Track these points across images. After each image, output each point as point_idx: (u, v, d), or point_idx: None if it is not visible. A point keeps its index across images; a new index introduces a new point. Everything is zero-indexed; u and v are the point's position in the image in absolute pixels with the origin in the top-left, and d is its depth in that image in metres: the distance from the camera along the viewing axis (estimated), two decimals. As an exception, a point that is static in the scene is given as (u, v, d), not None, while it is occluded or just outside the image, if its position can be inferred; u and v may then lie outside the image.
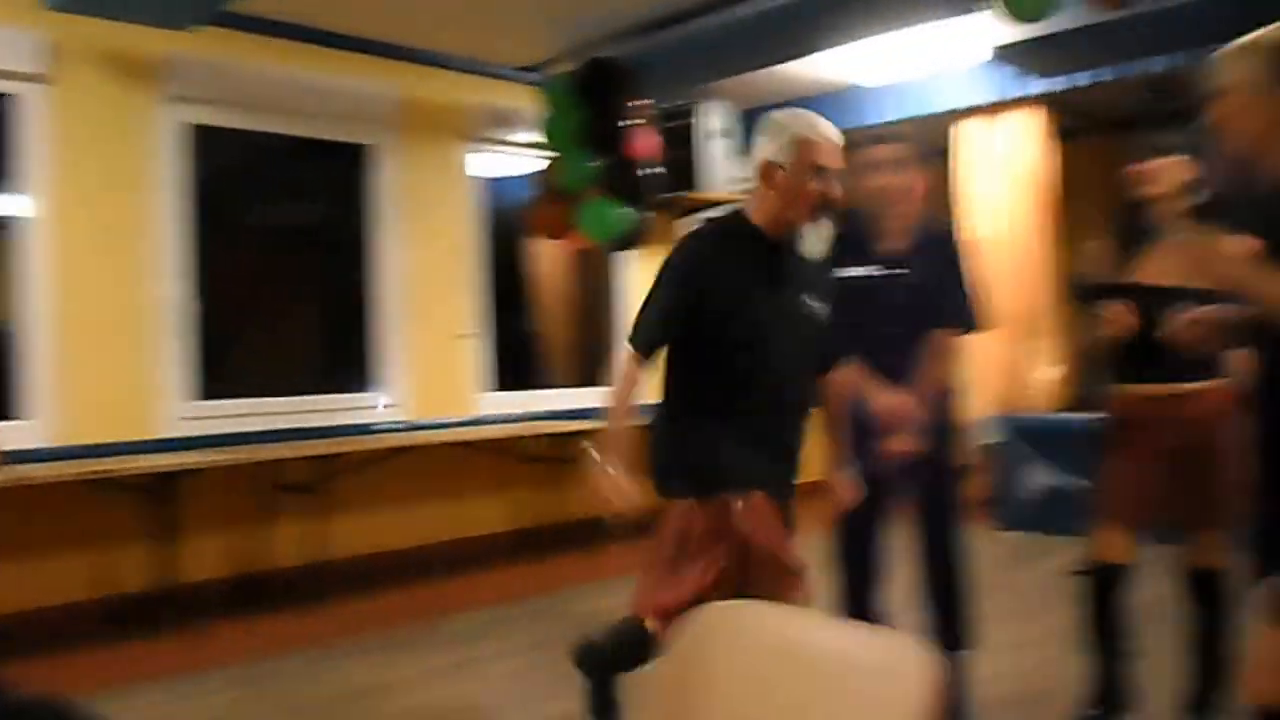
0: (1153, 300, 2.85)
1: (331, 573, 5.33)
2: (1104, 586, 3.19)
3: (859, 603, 3.33)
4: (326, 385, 5.98)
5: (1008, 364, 6.74)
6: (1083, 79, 6.15)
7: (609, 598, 5.19)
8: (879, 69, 6.69)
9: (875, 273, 3.19)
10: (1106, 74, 6.01)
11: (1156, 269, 3.03)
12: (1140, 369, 3.13)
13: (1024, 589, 5.14)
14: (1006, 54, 5.71)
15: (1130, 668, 3.24)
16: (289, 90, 5.61)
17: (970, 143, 7.01)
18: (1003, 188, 6.89)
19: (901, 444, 3.06)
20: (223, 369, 5.52)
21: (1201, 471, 3.03)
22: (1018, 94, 6.52)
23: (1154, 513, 3.15)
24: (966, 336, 3.29)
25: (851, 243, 3.25)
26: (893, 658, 1.32)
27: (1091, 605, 3.21)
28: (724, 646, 1.39)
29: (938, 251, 3.26)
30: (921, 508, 3.30)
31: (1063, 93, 6.41)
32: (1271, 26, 2.04)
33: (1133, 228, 3.18)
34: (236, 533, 5.26)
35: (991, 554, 5.99)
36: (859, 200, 3.21)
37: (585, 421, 6.41)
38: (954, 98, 6.76)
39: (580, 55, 5.76)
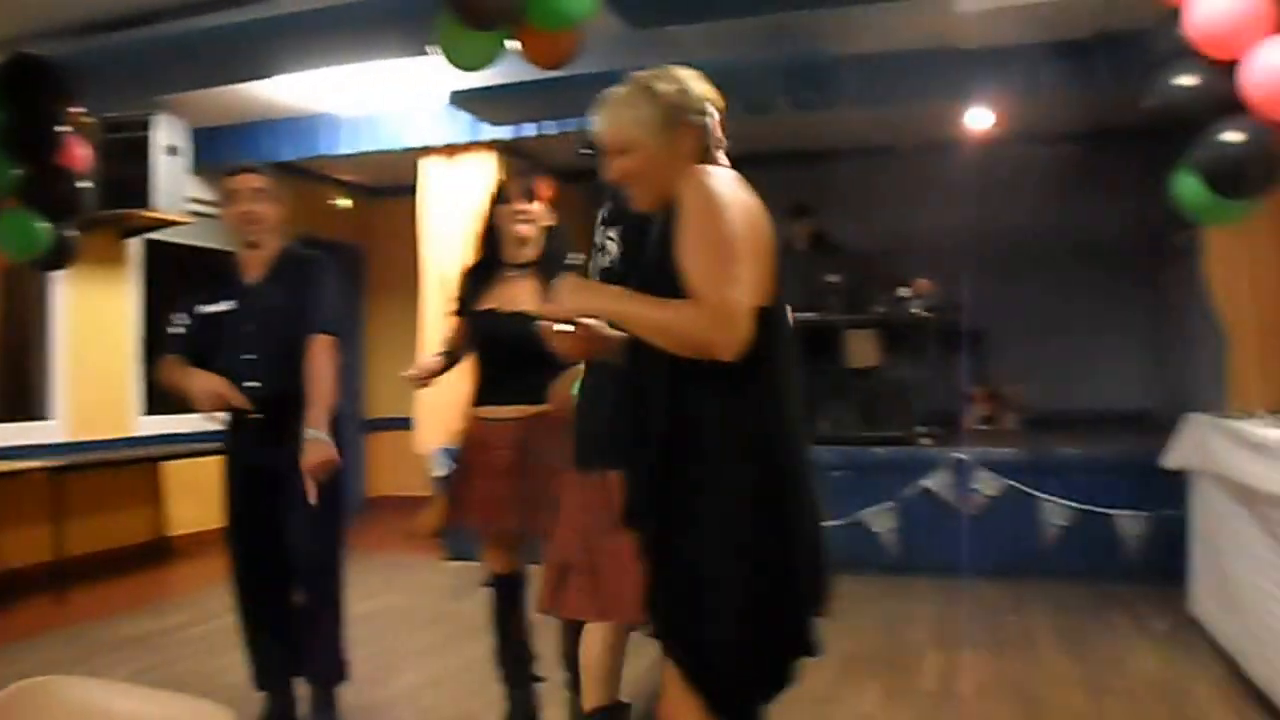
0: (501, 326, 3.34)
1: None
2: (499, 598, 3.49)
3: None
4: None
5: (459, 396, 6.92)
6: (529, 129, 6.57)
7: (17, 663, 4.68)
8: (348, 100, 6.69)
9: (226, 308, 3.43)
10: (551, 126, 6.47)
11: (509, 297, 3.40)
12: (486, 394, 3.49)
13: (465, 619, 5.31)
14: (459, 100, 5.95)
15: (531, 692, 3.52)
16: None
17: (432, 180, 7.21)
18: (460, 226, 7.13)
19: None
20: None
21: (535, 485, 3.32)
22: (472, 138, 6.81)
23: (505, 525, 3.44)
24: (331, 342, 3.44)
25: (219, 277, 3.53)
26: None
27: (495, 619, 3.48)
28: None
29: (295, 274, 3.48)
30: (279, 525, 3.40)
31: (513, 140, 6.80)
32: (645, 73, 2.13)
33: (492, 260, 3.53)
34: None
35: (437, 585, 6.16)
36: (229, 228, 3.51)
37: (2, 462, 5.76)
38: (419, 135, 6.92)
39: (6, 50, 5.19)
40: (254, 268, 3.50)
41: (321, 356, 3.37)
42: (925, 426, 6.58)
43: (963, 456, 6.03)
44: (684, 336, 1.91)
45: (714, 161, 2.11)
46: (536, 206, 3.48)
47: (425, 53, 4.78)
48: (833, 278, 6.93)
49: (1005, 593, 5.53)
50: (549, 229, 3.51)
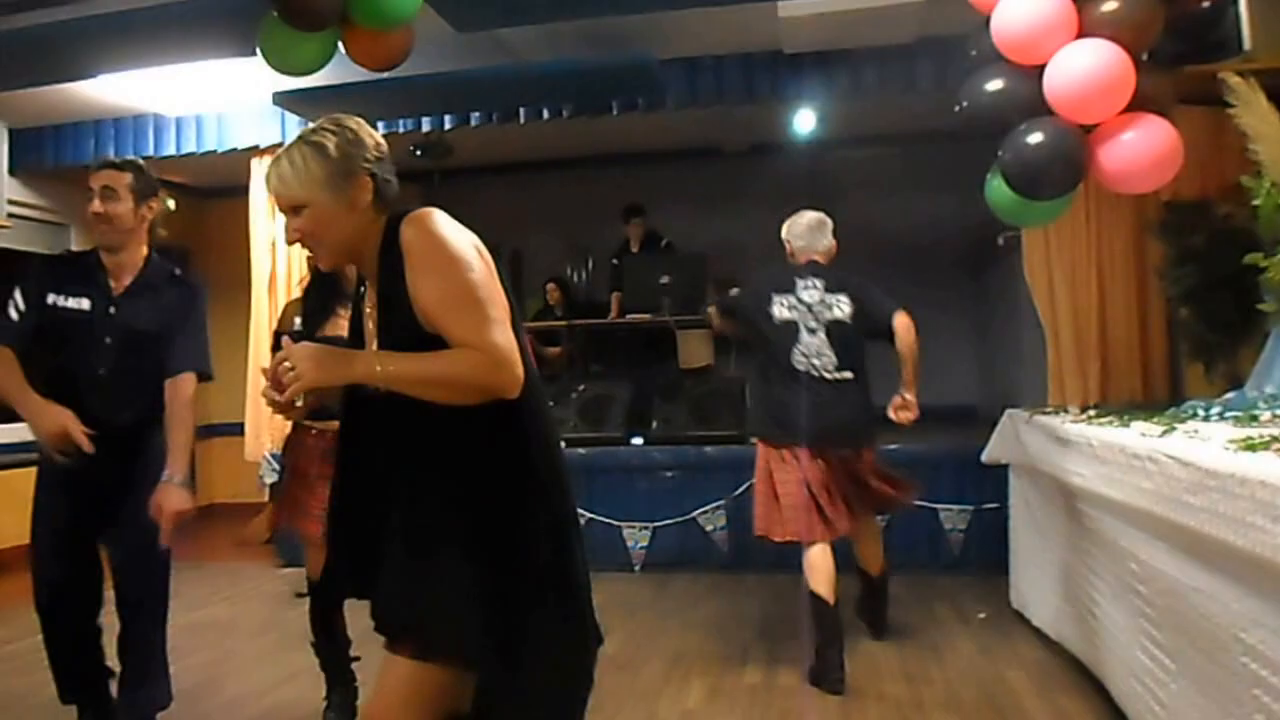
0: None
1: None
2: (315, 603, 3.57)
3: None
4: None
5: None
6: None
7: None
8: (174, 100, 6.54)
9: (81, 307, 3.20)
10: (380, 127, 6.43)
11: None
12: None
13: (295, 625, 5.27)
14: (284, 100, 5.89)
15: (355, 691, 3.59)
16: None
17: (261, 181, 7.08)
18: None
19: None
20: None
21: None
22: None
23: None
24: (200, 383, 3.30)
25: (78, 271, 3.28)
26: None
27: (315, 622, 3.56)
28: None
29: (167, 297, 3.29)
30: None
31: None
32: (310, 127, 2.10)
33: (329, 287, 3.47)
34: None
35: (270, 592, 6.08)
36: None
37: None
38: (246, 136, 6.82)
39: None
40: (117, 274, 3.25)
41: (187, 397, 3.20)
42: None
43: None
44: (468, 384, 1.95)
45: (388, 209, 2.10)
46: None
47: (253, 53, 4.74)
48: (665, 278, 7.08)
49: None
50: None
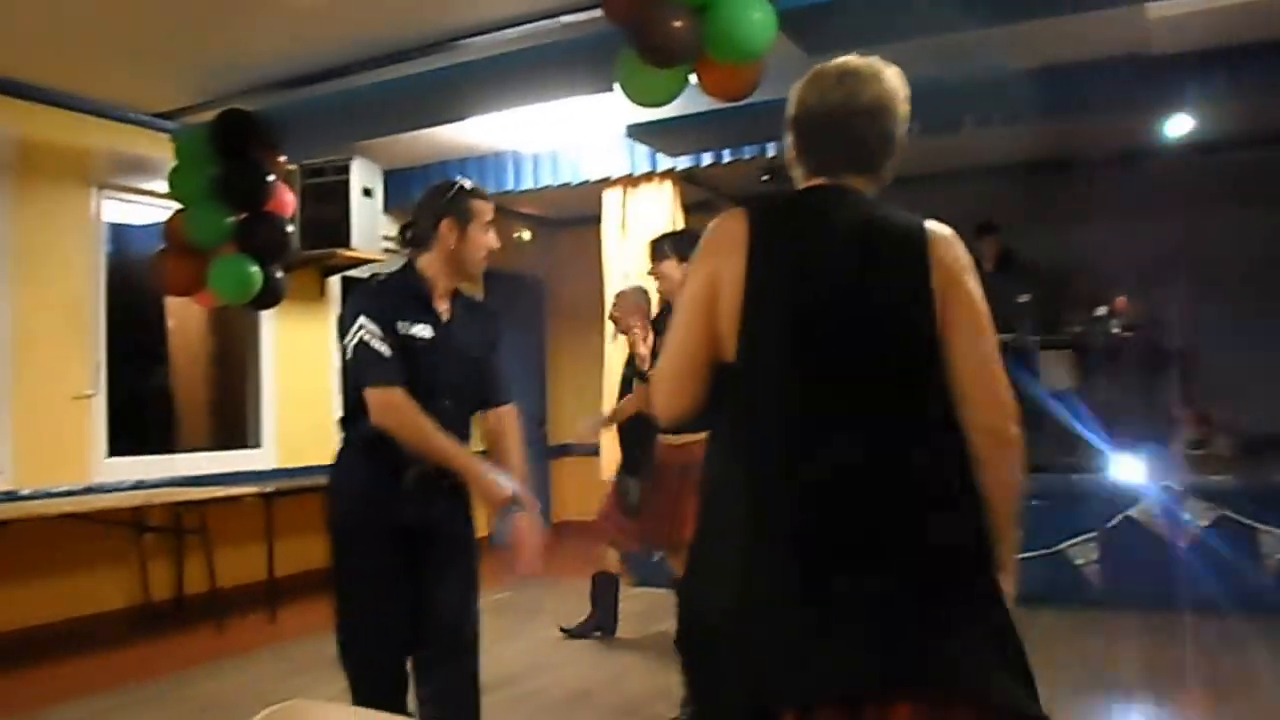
0: None
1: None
2: None
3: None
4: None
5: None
6: (706, 158, 6.62)
7: (231, 677, 4.94)
8: (529, 137, 6.88)
9: (426, 335, 2.93)
10: (725, 155, 6.50)
11: None
12: None
13: (655, 646, 5.33)
14: (636, 133, 6.03)
15: None
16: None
17: (612, 210, 7.31)
18: (640, 253, 7.24)
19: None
20: None
21: None
22: (650, 169, 6.90)
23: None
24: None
25: (409, 295, 2.97)
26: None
27: None
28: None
29: (486, 325, 3.13)
30: None
31: (689, 170, 6.87)
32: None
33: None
34: None
35: (626, 611, 6.18)
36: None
37: (219, 488, 6.11)
38: (598, 168, 7.05)
39: (218, 106, 5.54)
40: (441, 301, 2.99)
41: (517, 425, 3.11)
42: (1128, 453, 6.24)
43: (1171, 484, 5.70)
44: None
45: None
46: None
47: (610, 90, 4.88)
48: (1023, 297, 6.70)
49: (1221, 630, 5.17)
50: None
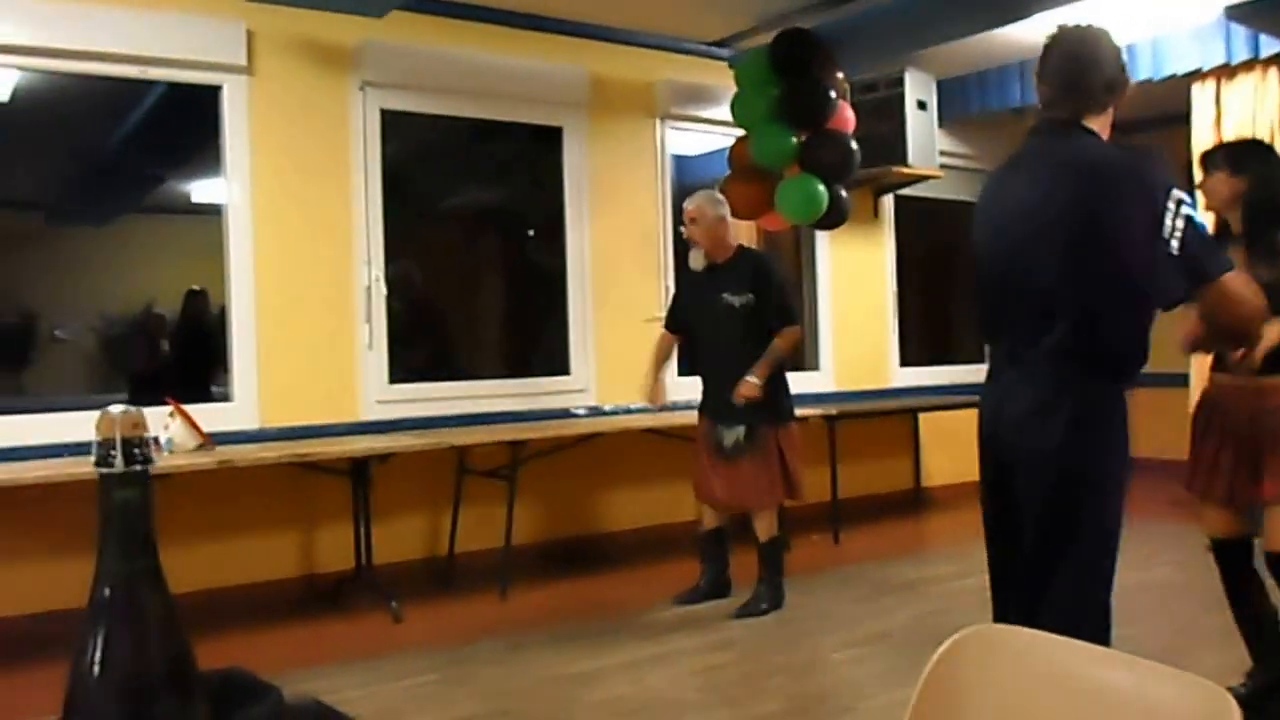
0: None
1: (516, 559, 5.20)
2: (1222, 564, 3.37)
3: None
4: (517, 369, 5.96)
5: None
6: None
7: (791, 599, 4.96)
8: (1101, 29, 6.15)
9: None
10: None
11: None
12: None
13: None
14: (1238, 14, 5.15)
15: None
16: (479, 73, 5.57)
17: (1204, 108, 6.37)
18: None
19: None
20: (415, 353, 5.56)
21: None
22: (1248, 56, 5.81)
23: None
24: None
25: None
26: (1195, 701, 1.05)
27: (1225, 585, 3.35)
28: (987, 674, 1.21)
29: None
30: None
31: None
32: None
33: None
34: (424, 517, 5.34)
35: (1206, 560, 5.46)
36: None
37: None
38: (1183, 60, 6.12)
39: (772, 28, 5.52)
40: None
41: None
42: None
43: None
44: None
45: None
46: None
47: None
48: None
49: None
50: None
